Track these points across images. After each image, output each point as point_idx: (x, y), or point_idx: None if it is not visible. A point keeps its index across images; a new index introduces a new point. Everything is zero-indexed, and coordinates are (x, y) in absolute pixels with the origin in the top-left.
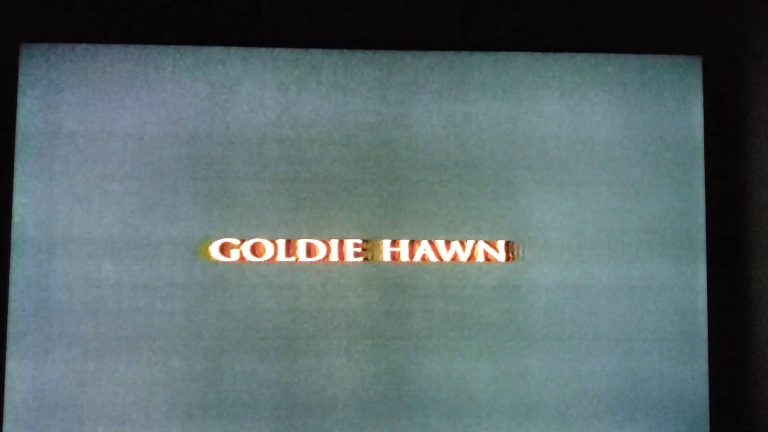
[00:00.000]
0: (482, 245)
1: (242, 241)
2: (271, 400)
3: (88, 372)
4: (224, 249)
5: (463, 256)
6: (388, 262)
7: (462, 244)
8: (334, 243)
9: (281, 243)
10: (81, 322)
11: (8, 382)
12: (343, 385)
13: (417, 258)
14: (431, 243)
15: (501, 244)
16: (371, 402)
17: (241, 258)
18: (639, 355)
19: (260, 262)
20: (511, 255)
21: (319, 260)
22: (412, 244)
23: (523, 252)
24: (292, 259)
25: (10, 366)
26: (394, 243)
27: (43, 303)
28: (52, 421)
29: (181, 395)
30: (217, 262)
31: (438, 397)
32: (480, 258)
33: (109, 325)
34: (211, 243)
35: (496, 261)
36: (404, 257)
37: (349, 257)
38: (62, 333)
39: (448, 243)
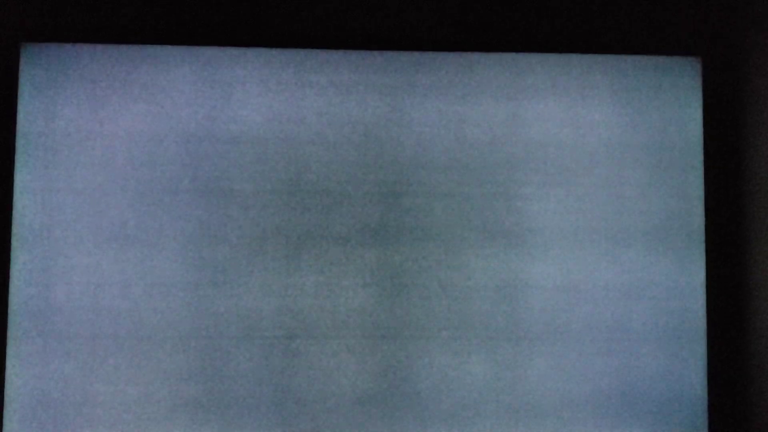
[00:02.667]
0: (482, 245)
1: (242, 239)
2: (271, 398)
3: (89, 370)
4: (224, 247)
5: (463, 256)
6: (388, 261)
7: (461, 243)
8: (333, 242)
9: (281, 242)
10: (81, 321)
11: (8, 379)
12: (342, 383)
13: (416, 257)
14: (431, 242)
15: (500, 244)
16: (371, 400)
17: (241, 257)
18: (638, 354)
19: (260, 260)
20: (510, 255)
21: (318, 259)
22: (412, 243)
23: (522, 252)
24: (292, 258)
25: (11, 364)
26: (393, 242)
27: (43, 302)
28: (53, 418)
29: (182, 393)
30: (217, 261)
31: (437, 396)
32: (479, 257)
33: (109, 323)
34: (210, 241)
35: (495, 260)
36: (404, 257)
37: (349, 256)
38: (62, 331)
39: (447, 242)
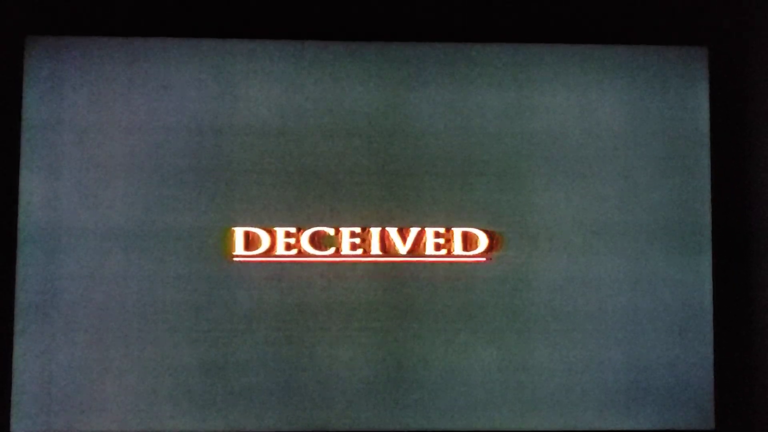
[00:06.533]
0: (488, 237)
1: (249, 232)
2: (277, 390)
3: (95, 363)
4: (230, 241)
5: (469, 248)
6: (394, 253)
7: (467, 235)
8: (339, 234)
9: (286, 235)
10: (87, 314)
11: (16, 373)
12: (348, 375)
13: (422, 249)
14: (436, 234)
15: (507, 236)
16: (377, 392)
17: (248, 249)
18: (645, 346)
19: (265, 253)
20: (516, 247)
21: (324, 252)
22: (418, 235)
23: (528, 244)
24: (297, 251)
25: (18, 358)
26: (399, 234)
27: (49, 295)
28: (59, 411)
29: (188, 386)
30: (223, 254)
31: (444, 388)
32: (486, 250)
33: (115, 317)
34: (216, 235)
35: (502, 253)
36: (410, 249)
37: (354, 249)
38: (68, 325)
39: (452, 234)
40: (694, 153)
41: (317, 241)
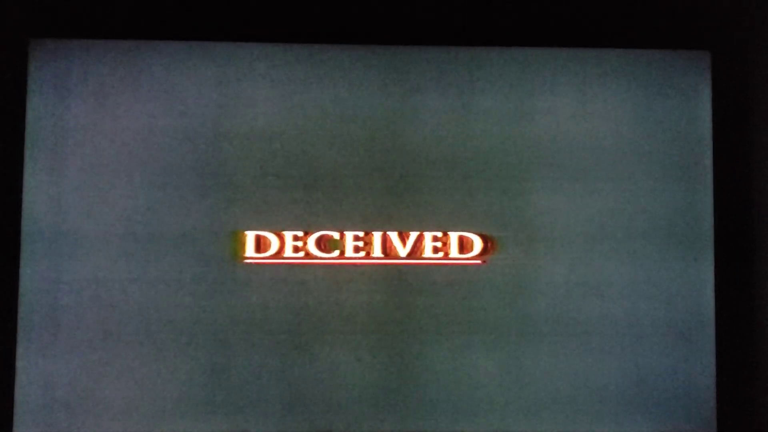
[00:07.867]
0: (490, 241)
1: (259, 236)
2: (278, 395)
3: (98, 367)
4: (242, 243)
5: (471, 252)
6: (394, 256)
7: (469, 240)
8: (343, 238)
9: (294, 238)
10: (90, 319)
11: (18, 377)
12: (350, 379)
13: (424, 253)
14: (434, 238)
15: (508, 240)
16: (378, 397)
17: (258, 252)
18: (647, 351)
19: (274, 255)
20: (518, 251)
21: (327, 256)
22: (417, 239)
23: (531, 247)
24: (301, 254)
25: (20, 362)
26: (399, 238)
27: (52, 299)
28: (62, 415)
29: (190, 390)
30: (225, 258)
31: (445, 393)
32: (488, 253)
33: (118, 321)
34: (219, 238)
35: (503, 257)
36: (409, 252)
37: (358, 252)
38: (71, 329)
39: (448, 238)
40: (696, 157)
41: (323, 244)
